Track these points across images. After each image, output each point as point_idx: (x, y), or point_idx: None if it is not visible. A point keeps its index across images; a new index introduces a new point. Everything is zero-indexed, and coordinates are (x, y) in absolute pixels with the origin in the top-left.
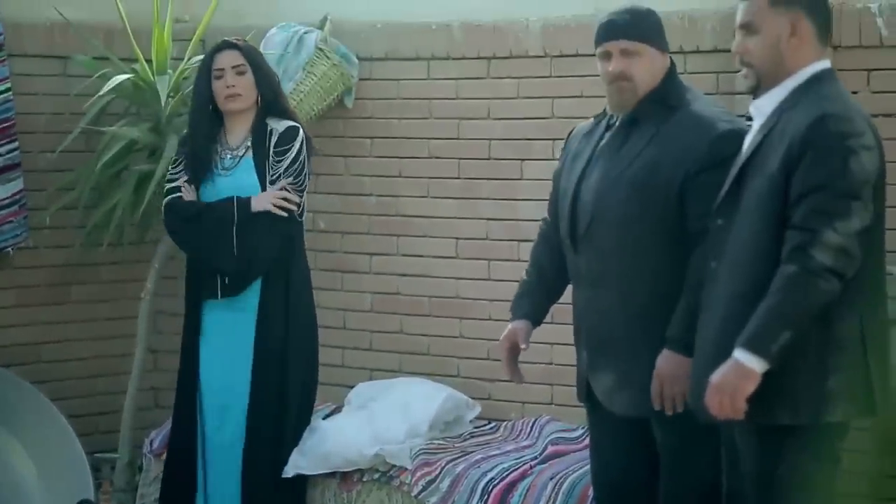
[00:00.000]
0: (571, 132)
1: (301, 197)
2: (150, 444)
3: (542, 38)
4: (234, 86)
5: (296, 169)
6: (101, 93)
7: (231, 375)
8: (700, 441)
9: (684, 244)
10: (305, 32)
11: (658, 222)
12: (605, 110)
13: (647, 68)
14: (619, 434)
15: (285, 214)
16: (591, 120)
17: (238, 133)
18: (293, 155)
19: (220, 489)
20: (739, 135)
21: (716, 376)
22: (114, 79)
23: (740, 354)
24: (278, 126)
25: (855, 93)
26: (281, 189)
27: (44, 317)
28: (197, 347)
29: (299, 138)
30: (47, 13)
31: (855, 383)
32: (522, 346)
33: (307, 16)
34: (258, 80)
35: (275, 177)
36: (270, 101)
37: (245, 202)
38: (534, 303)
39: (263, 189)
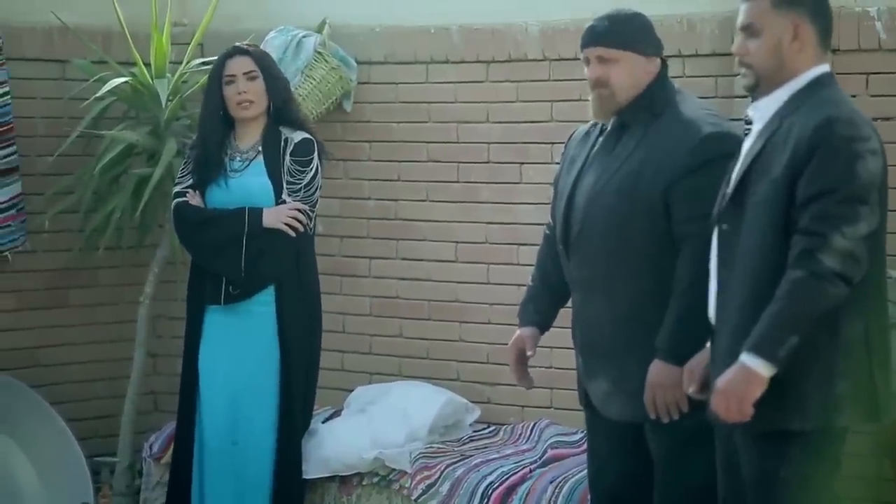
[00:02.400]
0: (571, 136)
1: (313, 213)
2: (150, 447)
3: (541, 41)
4: (245, 92)
5: (312, 188)
6: (97, 94)
7: (234, 380)
8: (694, 447)
9: (671, 250)
10: (304, 36)
11: (644, 228)
12: None
13: (625, 75)
14: (616, 439)
15: (293, 234)
16: (589, 123)
17: (248, 138)
18: (311, 174)
19: (216, 492)
20: (724, 137)
21: (722, 381)
22: (111, 81)
23: (747, 359)
24: (293, 136)
25: (854, 96)
26: (293, 209)
27: (42, 321)
28: (198, 351)
29: (316, 154)
30: (46, 17)
31: (860, 388)
32: (529, 353)
33: (306, 19)
34: (269, 86)
35: (294, 189)
36: (281, 106)
37: (257, 214)
38: (539, 308)
39: (276, 191)
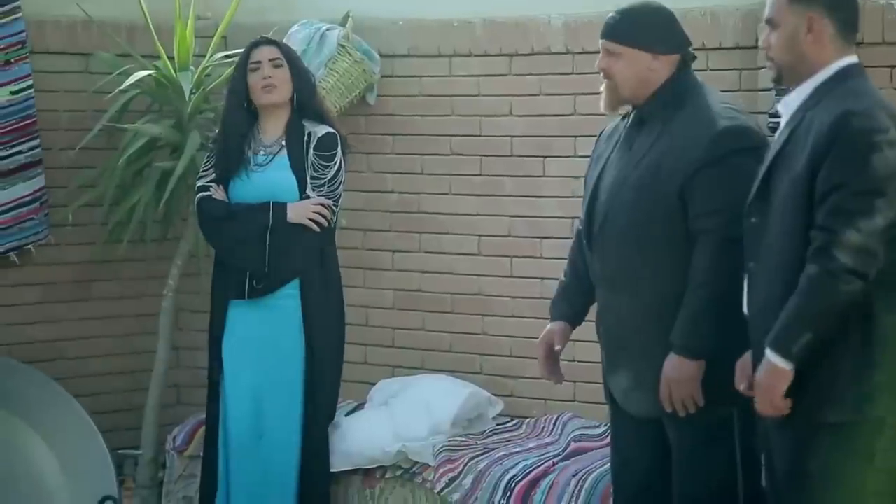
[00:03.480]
0: (602, 132)
1: (336, 208)
2: (174, 440)
3: (565, 34)
4: (270, 77)
5: (335, 183)
6: (121, 87)
7: (258, 374)
8: (713, 442)
9: (691, 245)
10: (327, 29)
11: (663, 223)
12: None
13: (626, 70)
14: (639, 434)
15: (318, 229)
16: (618, 119)
17: (272, 131)
18: (335, 169)
19: (242, 485)
20: (740, 131)
21: (755, 378)
22: (135, 74)
23: (769, 354)
24: (317, 129)
25: (879, 89)
26: (317, 204)
27: (66, 314)
28: (222, 345)
29: (339, 148)
30: (70, 10)
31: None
32: (557, 348)
33: (329, 13)
34: (294, 75)
35: (318, 184)
36: (305, 99)
37: (281, 209)
38: (570, 303)
39: (300, 186)
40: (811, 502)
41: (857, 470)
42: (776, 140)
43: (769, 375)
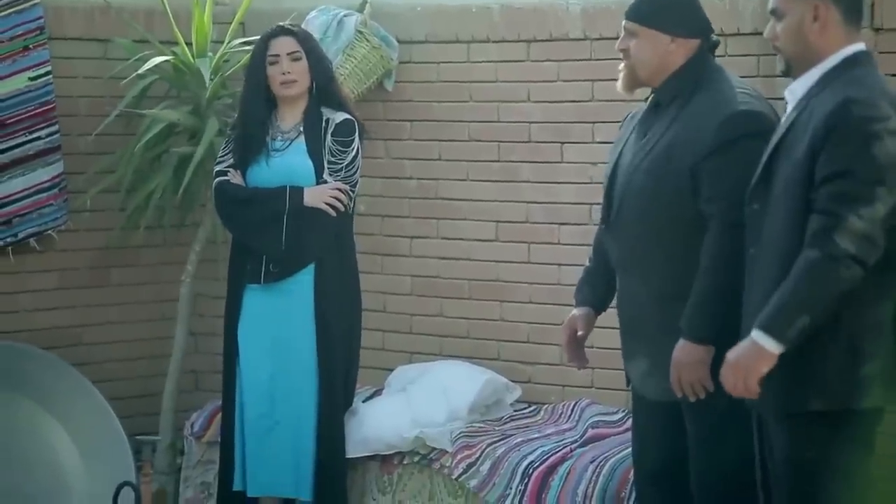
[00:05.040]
0: (626, 116)
1: (353, 193)
2: (192, 426)
3: (583, 20)
4: (289, 72)
5: (352, 168)
6: (139, 71)
7: (273, 359)
8: (728, 427)
9: (703, 229)
10: (345, 15)
11: (674, 208)
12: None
13: (643, 51)
14: (659, 419)
15: (334, 214)
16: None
17: (290, 118)
18: (352, 154)
19: (259, 470)
20: (752, 116)
21: (732, 354)
22: (152, 60)
23: (757, 335)
24: (334, 116)
25: (894, 75)
26: (334, 189)
27: (84, 300)
28: (237, 330)
29: (357, 134)
30: None
31: (889, 368)
32: (580, 333)
33: None
34: (312, 66)
35: (335, 169)
36: (323, 86)
37: (297, 193)
38: (593, 288)
39: (317, 171)
40: (811, 490)
41: (858, 457)
42: (780, 127)
43: (751, 357)
